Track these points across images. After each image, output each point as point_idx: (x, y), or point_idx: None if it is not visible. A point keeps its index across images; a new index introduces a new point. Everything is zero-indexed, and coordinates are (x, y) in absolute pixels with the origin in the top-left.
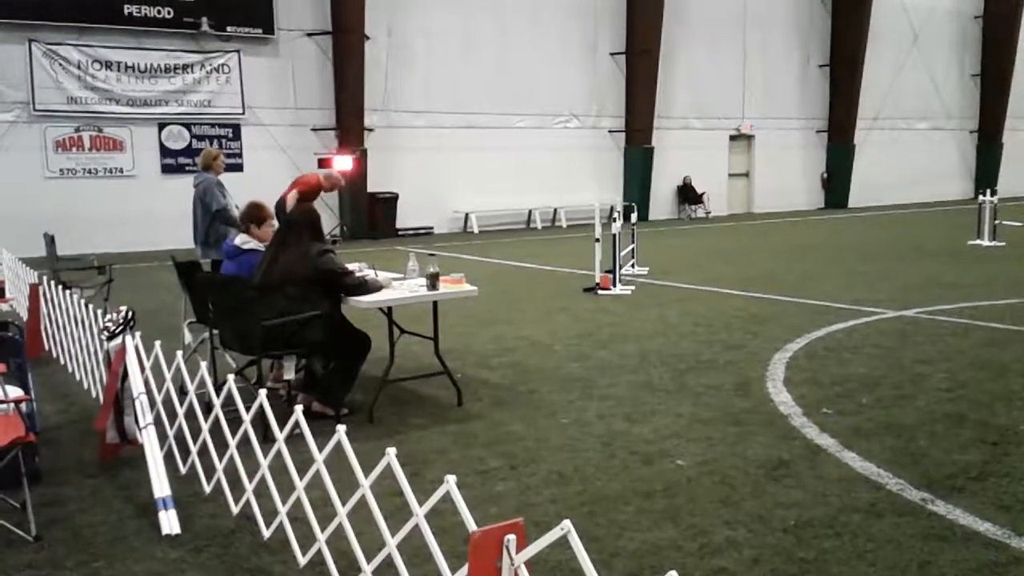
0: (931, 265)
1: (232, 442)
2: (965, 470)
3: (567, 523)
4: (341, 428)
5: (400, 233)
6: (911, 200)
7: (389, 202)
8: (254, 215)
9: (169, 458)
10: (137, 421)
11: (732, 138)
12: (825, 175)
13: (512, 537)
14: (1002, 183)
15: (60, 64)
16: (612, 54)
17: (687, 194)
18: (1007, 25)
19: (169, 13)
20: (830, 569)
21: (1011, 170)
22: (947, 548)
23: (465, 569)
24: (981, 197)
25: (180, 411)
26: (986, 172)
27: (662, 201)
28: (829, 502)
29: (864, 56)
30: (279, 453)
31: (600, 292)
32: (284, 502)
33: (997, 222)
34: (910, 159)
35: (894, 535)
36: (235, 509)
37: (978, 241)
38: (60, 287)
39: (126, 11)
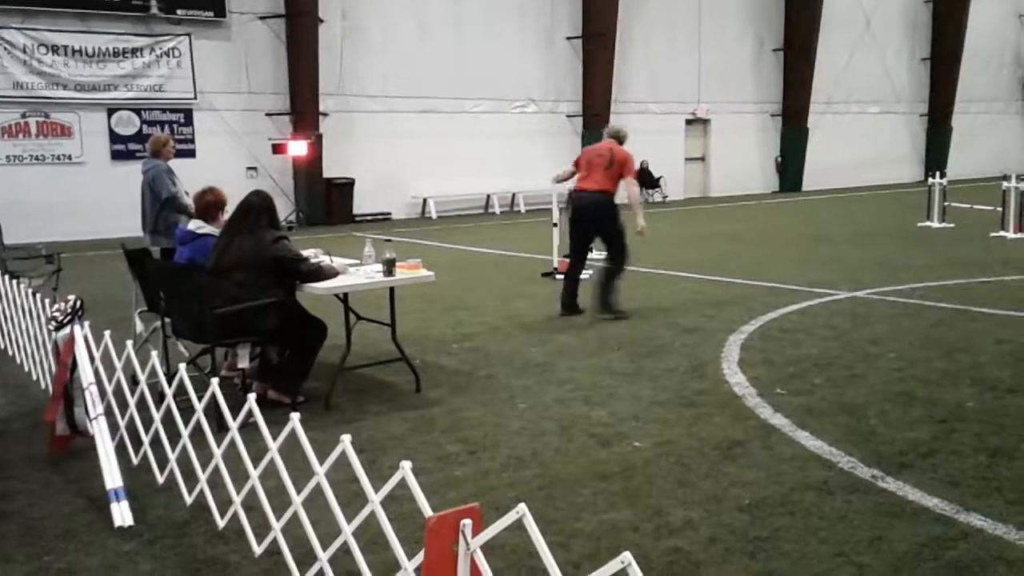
0: (883, 247)
1: (185, 432)
2: (914, 447)
3: (522, 507)
4: (295, 416)
5: (357, 219)
6: (863, 183)
7: (345, 188)
8: (219, 204)
9: (121, 449)
10: (87, 412)
11: (688, 122)
12: (779, 159)
13: (468, 521)
14: (951, 166)
15: (5, 48)
16: (568, 38)
17: (644, 178)
18: (957, 9)
19: None
20: (783, 547)
21: (960, 153)
22: (897, 524)
23: (422, 554)
24: (931, 180)
25: (131, 401)
26: (936, 155)
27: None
28: (782, 481)
29: (817, 41)
30: (233, 442)
31: (559, 277)
32: (239, 491)
33: (946, 204)
34: (862, 142)
35: (846, 512)
36: (189, 499)
37: (928, 223)
38: (7, 277)
39: None
